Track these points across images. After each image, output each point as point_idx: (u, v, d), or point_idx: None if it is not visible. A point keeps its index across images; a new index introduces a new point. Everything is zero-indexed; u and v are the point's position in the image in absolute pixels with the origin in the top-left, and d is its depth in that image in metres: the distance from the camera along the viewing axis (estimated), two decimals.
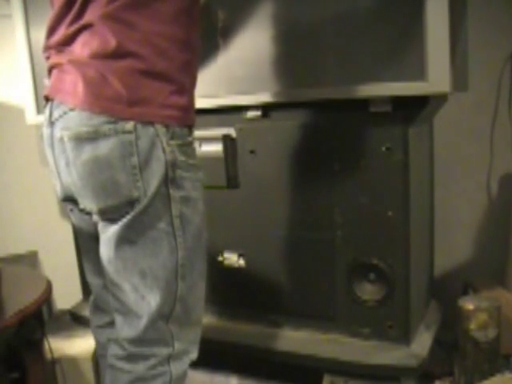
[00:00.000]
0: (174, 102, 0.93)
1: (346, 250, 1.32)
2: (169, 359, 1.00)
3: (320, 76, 1.21)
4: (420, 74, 1.10)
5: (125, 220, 0.91)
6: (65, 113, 0.91)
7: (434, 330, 1.42)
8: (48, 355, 1.49)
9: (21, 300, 1.25)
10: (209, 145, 1.41)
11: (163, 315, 0.97)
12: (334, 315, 1.37)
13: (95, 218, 0.96)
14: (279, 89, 1.26)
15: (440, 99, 1.35)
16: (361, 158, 1.25)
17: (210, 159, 1.42)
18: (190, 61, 0.96)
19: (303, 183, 1.34)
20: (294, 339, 1.40)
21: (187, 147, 0.96)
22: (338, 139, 1.28)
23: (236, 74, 1.32)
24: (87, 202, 0.94)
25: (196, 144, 1.42)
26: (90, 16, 0.89)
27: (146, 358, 0.98)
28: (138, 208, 0.90)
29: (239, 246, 1.45)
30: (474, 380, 1.32)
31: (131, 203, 0.90)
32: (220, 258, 1.48)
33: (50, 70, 0.99)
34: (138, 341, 0.98)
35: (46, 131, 0.98)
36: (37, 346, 1.34)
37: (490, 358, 1.33)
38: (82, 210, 1.01)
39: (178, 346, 1.00)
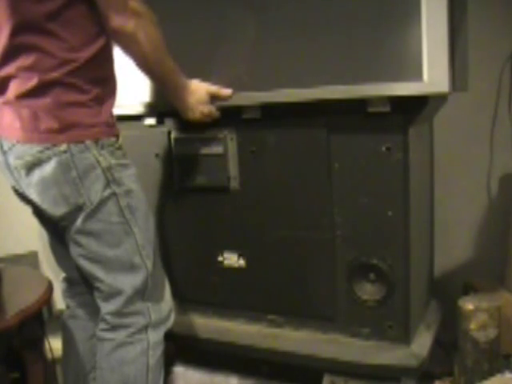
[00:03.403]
0: (100, 121, 1.12)
1: (345, 250, 1.32)
2: (147, 328, 1.20)
3: (319, 76, 1.21)
4: (418, 73, 1.10)
5: (80, 220, 1.12)
6: (10, 147, 1.10)
7: (434, 330, 1.42)
8: (48, 355, 1.49)
9: (22, 300, 1.26)
10: (209, 145, 1.41)
11: (138, 292, 1.19)
12: (333, 315, 1.37)
13: (59, 224, 1.16)
14: (279, 89, 1.25)
15: (440, 99, 1.35)
16: (361, 158, 1.25)
17: (210, 159, 1.42)
18: (108, 76, 1.16)
19: (303, 183, 1.34)
20: (294, 339, 1.40)
21: (117, 151, 1.15)
22: (337, 139, 1.28)
23: (235, 75, 1.32)
24: (49, 213, 1.14)
25: (197, 144, 1.43)
26: (10, 68, 1.06)
27: (126, 326, 1.19)
28: (88, 209, 1.11)
29: (239, 246, 1.45)
30: (474, 380, 1.32)
31: (80, 208, 1.11)
32: (220, 258, 1.48)
33: None
34: (118, 314, 1.18)
35: (1, 158, 1.14)
36: (37, 346, 1.34)
37: (490, 357, 1.33)
38: (50, 219, 1.19)
39: (154, 316, 1.21)
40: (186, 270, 1.54)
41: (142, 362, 1.19)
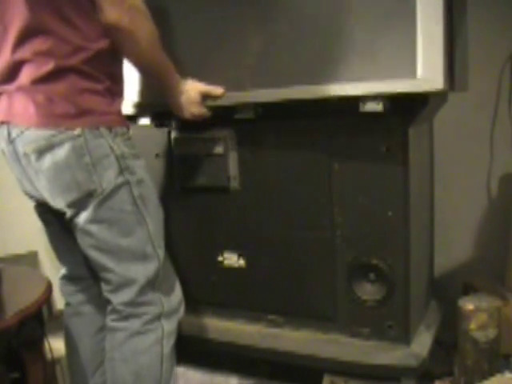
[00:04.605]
0: (113, 110, 1.13)
1: (345, 249, 1.32)
2: (160, 317, 1.20)
3: (318, 75, 1.21)
4: (413, 70, 1.08)
5: (91, 208, 1.11)
6: (22, 132, 1.07)
7: (434, 330, 1.42)
8: (48, 355, 1.48)
9: (21, 300, 1.25)
10: (209, 145, 1.41)
11: (150, 281, 1.18)
12: (334, 315, 1.37)
13: (67, 214, 1.14)
14: (278, 89, 1.25)
15: (440, 99, 1.35)
16: (361, 158, 1.25)
17: (210, 159, 1.42)
18: (118, 73, 1.17)
19: (303, 183, 1.34)
20: (294, 339, 1.40)
21: (129, 141, 1.16)
22: (337, 139, 1.28)
23: (235, 74, 1.32)
24: (58, 201, 1.12)
25: (197, 144, 1.43)
26: (25, 52, 1.05)
27: (139, 315, 1.18)
28: (99, 196, 1.10)
29: (239, 246, 1.45)
30: (474, 380, 1.32)
31: (91, 194, 1.10)
32: (220, 258, 1.48)
33: None
34: (131, 303, 1.17)
35: (7, 148, 1.13)
36: (37, 346, 1.34)
37: (490, 357, 1.33)
38: (55, 212, 1.18)
39: (166, 306, 1.21)
40: (186, 269, 1.54)
41: (156, 351, 1.19)
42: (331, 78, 1.18)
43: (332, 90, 1.17)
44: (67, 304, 1.39)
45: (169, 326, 1.21)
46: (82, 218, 1.12)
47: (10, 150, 1.12)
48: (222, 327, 1.50)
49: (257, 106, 1.30)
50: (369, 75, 1.14)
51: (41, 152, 1.07)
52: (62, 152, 1.06)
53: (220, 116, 1.35)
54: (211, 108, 1.32)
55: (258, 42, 1.27)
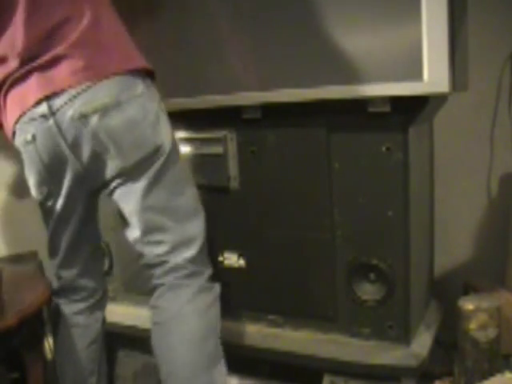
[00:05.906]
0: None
1: (345, 249, 1.32)
2: (212, 278, 1.24)
3: (319, 76, 1.21)
4: (418, 73, 1.09)
5: (154, 166, 1.12)
6: (76, 95, 1.04)
7: (434, 330, 1.42)
8: (48, 355, 1.48)
9: (21, 300, 1.25)
10: (209, 145, 1.41)
11: (204, 238, 1.21)
12: (334, 315, 1.37)
13: (122, 177, 1.12)
14: (279, 89, 1.25)
15: (440, 99, 1.35)
16: (361, 158, 1.25)
17: (210, 159, 1.42)
18: None
19: (303, 183, 1.34)
20: (294, 339, 1.40)
21: None
22: (337, 139, 1.28)
23: (236, 74, 1.32)
24: (119, 162, 1.09)
25: (197, 144, 1.43)
26: (63, 11, 1.04)
27: (201, 273, 1.21)
28: (163, 154, 1.12)
29: (239, 246, 1.45)
30: (474, 380, 1.32)
31: (157, 151, 1.11)
32: (220, 258, 1.48)
33: (14, 82, 1.08)
34: (194, 259, 1.19)
35: (43, 125, 1.07)
36: (37, 346, 1.34)
37: (490, 357, 1.32)
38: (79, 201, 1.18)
39: (211, 268, 1.25)
40: None
41: (216, 309, 1.23)
42: (340, 79, 1.18)
43: (343, 92, 1.18)
44: (62, 314, 1.37)
45: (218, 287, 1.25)
46: (142, 178, 1.12)
47: (49, 124, 1.06)
48: (222, 327, 1.50)
49: (264, 106, 1.30)
50: (375, 77, 1.14)
51: (106, 110, 1.06)
52: (131, 109, 1.08)
53: (220, 116, 1.35)
54: (215, 108, 1.32)
55: (264, 43, 1.27)
